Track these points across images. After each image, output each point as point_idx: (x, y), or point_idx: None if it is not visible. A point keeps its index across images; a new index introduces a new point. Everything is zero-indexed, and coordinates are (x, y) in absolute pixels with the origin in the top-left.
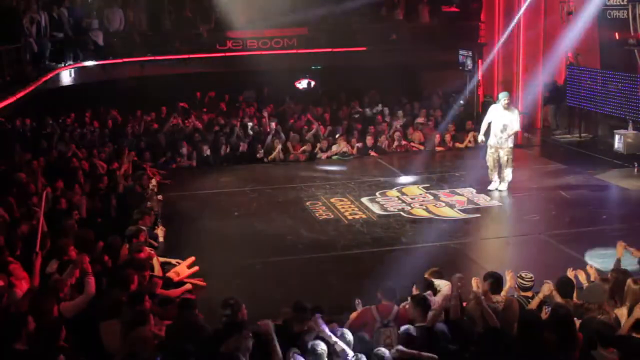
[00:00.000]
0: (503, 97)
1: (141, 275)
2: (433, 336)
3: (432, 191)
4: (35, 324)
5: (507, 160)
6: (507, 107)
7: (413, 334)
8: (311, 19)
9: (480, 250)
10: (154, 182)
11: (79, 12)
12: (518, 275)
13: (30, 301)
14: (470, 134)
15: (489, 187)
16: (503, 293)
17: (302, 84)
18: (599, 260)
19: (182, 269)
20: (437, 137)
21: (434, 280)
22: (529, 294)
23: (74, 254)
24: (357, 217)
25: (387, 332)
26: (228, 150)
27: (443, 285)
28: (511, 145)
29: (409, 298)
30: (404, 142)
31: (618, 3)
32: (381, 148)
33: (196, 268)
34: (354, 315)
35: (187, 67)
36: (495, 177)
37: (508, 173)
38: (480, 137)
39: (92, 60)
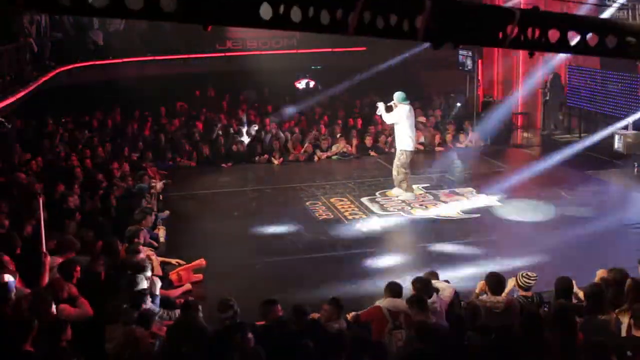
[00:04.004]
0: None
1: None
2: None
3: (432, 191)
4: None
5: (396, 167)
6: (394, 107)
7: None
8: None
9: (480, 250)
10: (155, 182)
11: None
12: (523, 274)
13: (29, 301)
14: (470, 134)
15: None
16: (504, 294)
17: (302, 84)
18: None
19: (187, 273)
20: (437, 137)
21: (432, 280)
22: (529, 294)
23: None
24: (357, 217)
25: (399, 335)
26: (227, 150)
27: (445, 287)
28: (401, 148)
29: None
30: None
31: (618, 3)
32: (381, 148)
33: (200, 276)
34: (361, 312)
35: (187, 67)
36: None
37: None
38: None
39: (92, 60)
